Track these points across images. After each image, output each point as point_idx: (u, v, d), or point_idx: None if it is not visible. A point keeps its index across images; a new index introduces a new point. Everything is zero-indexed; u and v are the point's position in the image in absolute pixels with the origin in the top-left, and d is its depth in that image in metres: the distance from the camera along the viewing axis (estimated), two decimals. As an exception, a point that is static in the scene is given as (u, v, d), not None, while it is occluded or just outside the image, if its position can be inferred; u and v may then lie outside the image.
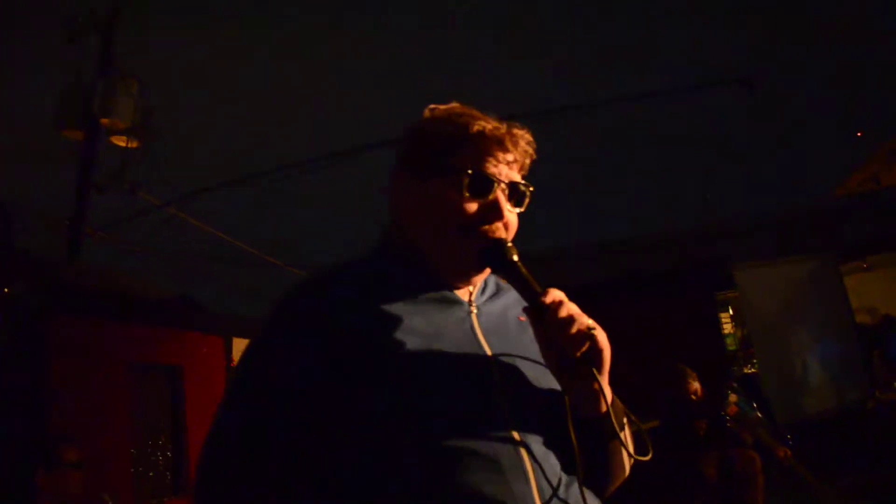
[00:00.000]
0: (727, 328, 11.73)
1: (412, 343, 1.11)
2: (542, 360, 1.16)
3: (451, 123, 1.22)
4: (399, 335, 1.12)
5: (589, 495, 1.13)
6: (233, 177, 5.52)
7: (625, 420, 1.20)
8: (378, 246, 1.30)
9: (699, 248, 9.09)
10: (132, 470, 5.38)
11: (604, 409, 1.13)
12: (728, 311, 12.10)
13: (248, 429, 1.12)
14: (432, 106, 1.27)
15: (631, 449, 1.16)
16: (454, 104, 1.26)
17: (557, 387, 1.16)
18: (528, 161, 1.24)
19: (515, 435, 1.10)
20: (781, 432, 7.29)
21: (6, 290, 4.73)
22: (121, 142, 7.15)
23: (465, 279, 1.24)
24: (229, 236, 6.84)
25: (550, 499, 1.07)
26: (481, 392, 1.12)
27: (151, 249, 6.65)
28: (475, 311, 1.23)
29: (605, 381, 1.12)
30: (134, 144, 7.38)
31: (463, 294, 1.24)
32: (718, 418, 5.38)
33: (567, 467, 1.13)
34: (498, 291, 1.30)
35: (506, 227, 1.21)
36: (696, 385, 5.60)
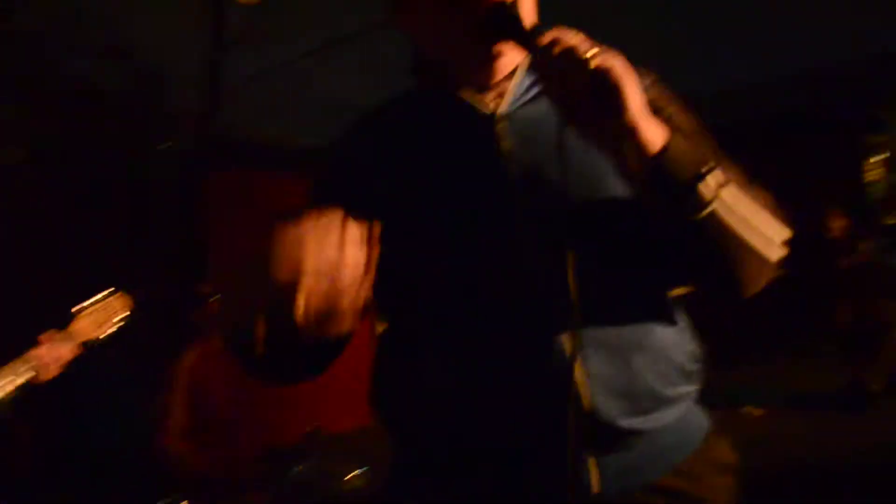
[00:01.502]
0: (873, 174, 11.10)
1: (417, 189, 1.00)
2: (591, 160, 0.94)
3: None
4: (402, 186, 1.01)
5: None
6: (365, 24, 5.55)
7: (710, 167, 0.89)
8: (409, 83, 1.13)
9: (839, 90, 8.46)
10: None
11: (647, 148, 0.86)
12: (877, 155, 11.37)
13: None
14: None
15: (714, 189, 0.88)
16: None
17: (615, 194, 0.97)
18: None
19: (550, 267, 0.94)
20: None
21: (169, 145, 5.14)
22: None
23: (488, 71, 1.03)
24: (364, 85, 6.98)
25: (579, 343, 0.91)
26: (500, 232, 0.97)
27: (288, 103, 6.91)
28: (502, 122, 1.02)
29: (635, 120, 0.85)
30: (255, 1, 7.58)
31: (490, 103, 1.03)
32: (858, 266, 5.23)
33: (634, 297, 0.97)
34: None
35: None
36: (839, 223, 5.39)
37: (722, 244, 0.90)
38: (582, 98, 0.84)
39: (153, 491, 2.83)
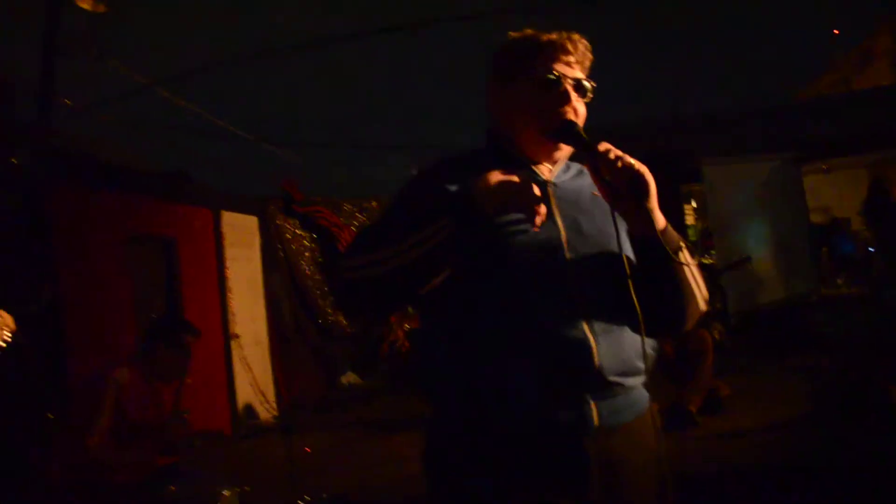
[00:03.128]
0: (689, 219, 12.24)
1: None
2: (606, 225, 1.47)
3: (525, 39, 1.56)
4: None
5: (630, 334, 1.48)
6: (225, 52, 5.55)
7: (682, 244, 1.49)
8: (484, 142, 1.67)
9: (667, 141, 9.38)
10: (136, 334, 5.72)
11: (657, 227, 1.42)
12: (691, 202, 12.55)
13: (371, 232, 1.53)
14: (511, 33, 1.61)
15: (686, 259, 1.47)
16: (528, 30, 1.59)
17: (614, 248, 1.47)
18: (587, 62, 1.57)
19: (577, 282, 1.46)
20: (733, 319, 7.92)
21: (13, 160, 4.88)
22: (86, 4, 6.91)
23: (547, 156, 1.58)
24: (214, 115, 6.93)
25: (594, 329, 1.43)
26: (551, 250, 1.48)
27: (141, 125, 6.75)
28: (552, 185, 1.57)
29: (653, 205, 1.41)
30: (101, 8, 7.15)
31: (544, 172, 1.59)
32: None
33: (620, 309, 1.44)
34: (580, 174, 1.64)
35: (574, 112, 1.53)
36: None
37: (684, 291, 1.50)
38: (623, 186, 1.38)
39: None
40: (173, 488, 2.96)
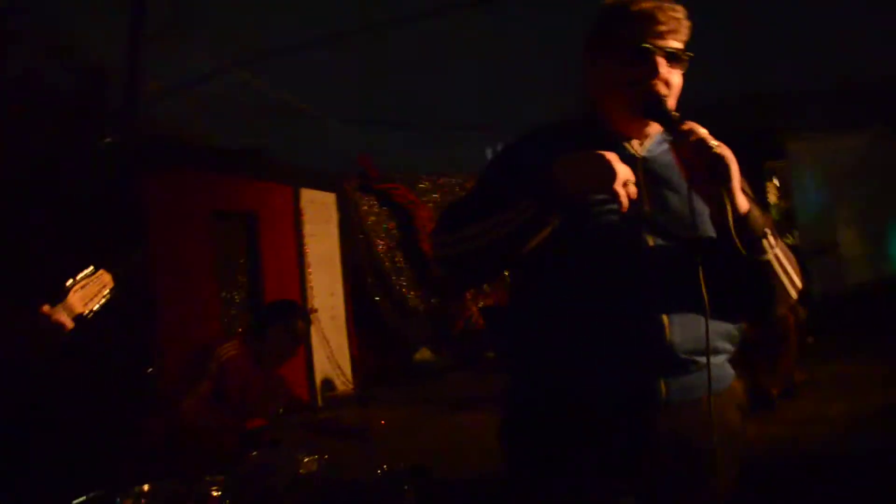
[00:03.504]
0: (772, 198, 11.83)
1: None
2: (696, 202, 1.43)
3: (615, 9, 1.52)
4: None
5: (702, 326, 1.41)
6: (308, 32, 5.65)
7: (768, 230, 1.43)
8: (578, 113, 1.65)
9: (750, 116, 9.06)
10: (219, 304, 5.94)
11: (738, 210, 1.36)
12: (773, 180, 12.11)
13: (456, 209, 1.55)
14: (605, 1, 1.56)
15: (770, 245, 1.41)
16: None
17: (701, 222, 1.44)
18: (683, 31, 1.50)
19: (656, 260, 1.45)
20: (819, 301, 7.64)
21: (107, 140, 5.11)
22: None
23: (638, 131, 1.55)
24: (294, 94, 7.07)
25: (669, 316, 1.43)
26: (633, 228, 1.46)
27: (221, 107, 6.92)
28: (642, 161, 1.53)
29: (733, 191, 1.35)
30: None
31: (635, 147, 1.56)
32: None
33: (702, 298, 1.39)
34: None
35: (667, 85, 1.48)
36: None
37: (770, 279, 1.45)
38: (703, 169, 1.33)
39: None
40: (256, 453, 3.08)
